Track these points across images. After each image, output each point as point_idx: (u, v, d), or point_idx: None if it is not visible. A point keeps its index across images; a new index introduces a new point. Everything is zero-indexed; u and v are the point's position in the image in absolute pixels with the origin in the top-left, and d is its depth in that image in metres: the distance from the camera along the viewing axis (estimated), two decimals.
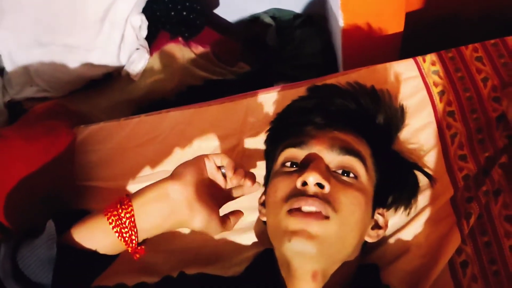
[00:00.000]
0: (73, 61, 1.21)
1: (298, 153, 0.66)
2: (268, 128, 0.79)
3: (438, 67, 0.89)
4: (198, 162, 0.62)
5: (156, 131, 0.90)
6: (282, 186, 0.64)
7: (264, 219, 0.72)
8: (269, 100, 0.89)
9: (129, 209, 0.57)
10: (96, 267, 0.59)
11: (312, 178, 0.60)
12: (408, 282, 0.72)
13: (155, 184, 0.59)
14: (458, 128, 0.83)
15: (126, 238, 0.56)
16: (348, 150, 0.66)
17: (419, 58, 0.90)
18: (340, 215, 0.61)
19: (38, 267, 0.53)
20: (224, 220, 0.64)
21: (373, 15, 1.05)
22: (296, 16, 1.48)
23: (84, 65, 1.21)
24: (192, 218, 0.59)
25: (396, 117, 0.77)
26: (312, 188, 0.61)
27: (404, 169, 0.76)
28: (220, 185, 0.64)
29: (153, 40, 1.25)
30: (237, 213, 0.68)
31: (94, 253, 0.56)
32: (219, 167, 0.64)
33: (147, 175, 0.86)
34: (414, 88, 0.87)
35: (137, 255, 0.59)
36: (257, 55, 1.43)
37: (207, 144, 0.87)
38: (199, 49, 1.28)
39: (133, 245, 0.57)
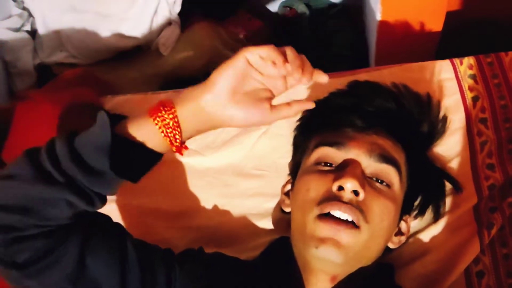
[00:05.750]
0: (105, 30, 1.21)
1: (334, 153, 0.65)
2: (299, 117, 0.78)
3: (475, 71, 0.86)
4: (236, 62, 0.57)
5: None
6: (316, 186, 0.62)
7: (288, 210, 0.71)
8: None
9: (173, 111, 0.58)
10: (145, 161, 0.60)
11: (350, 185, 0.59)
12: (422, 286, 0.72)
13: (192, 94, 0.59)
14: (489, 136, 0.81)
15: (171, 138, 0.58)
16: (386, 158, 0.64)
17: (456, 60, 0.88)
18: (371, 225, 0.60)
19: (94, 152, 0.55)
20: (279, 107, 0.61)
21: (412, 11, 1.02)
22: (331, 5, 1.46)
23: (115, 35, 1.21)
24: (230, 121, 0.59)
25: (440, 127, 0.75)
26: (348, 195, 0.60)
27: (433, 176, 0.75)
28: (272, 76, 0.58)
29: (186, 16, 1.24)
30: (303, 101, 0.64)
31: (143, 147, 0.58)
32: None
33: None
34: (448, 90, 0.85)
35: (182, 152, 0.61)
36: (288, 42, 1.41)
37: (232, 128, 0.86)
38: (231, 30, 1.27)
39: (177, 143, 0.59)
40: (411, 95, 0.73)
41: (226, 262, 0.70)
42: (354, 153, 0.64)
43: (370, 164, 0.64)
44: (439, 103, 0.76)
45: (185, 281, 0.65)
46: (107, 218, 0.64)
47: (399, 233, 0.70)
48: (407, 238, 0.74)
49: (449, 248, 0.73)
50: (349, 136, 0.66)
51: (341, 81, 0.77)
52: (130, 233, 0.65)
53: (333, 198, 0.60)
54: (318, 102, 0.76)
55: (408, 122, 0.71)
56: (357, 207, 0.60)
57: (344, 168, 0.62)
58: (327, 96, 0.75)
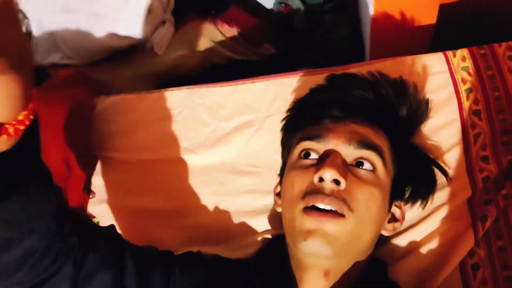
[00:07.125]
0: (99, 30, 1.21)
1: (314, 146, 0.65)
2: (284, 116, 0.78)
3: (468, 63, 0.86)
4: None
5: (177, 106, 0.89)
6: (299, 181, 0.63)
7: (279, 210, 0.71)
8: (291, 85, 0.88)
9: None
10: None
11: (329, 175, 0.59)
12: (417, 280, 0.71)
13: None
14: (483, 128, 0.80)
15: None
16: (365, 144, 0.64)
17: (449, 53, 0.87)
18: (356, 213, 0.60)
19: None
20: None
21: (405, 5, 1.01)
22: (326, 0, 1.45)
23: (109, 35, 1.21)
24: None
25: (420, 110, 0.75)
26: (328, 185, 0.60)
27: (423, 163, 0.75)
28: None
29: (179, 15, 1.24)
30: None
31: None
32: None
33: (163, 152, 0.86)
34: (441, 83, 0.85)
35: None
36: (284, 38, 1.41)
37: (227, 124, 0.86)
38: (225, 28, 1.27)
39: None
40: (388, 82, 0.73)
41: (225, 266, 0.70)
42: (333, 143, 0.64)
43: (350, 152, 0.64)
44: (415, 86, 0.75)
45: (185, 284, 0.65)
46: (107, 231, 0.62)
47: (393, 219, 0.70)
48: (402, 231, 0.74)
49: (443, 241, 0.73)
50: (327, 128, 0.66)
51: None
52: (128, 241, 0.63)
53: (315, 191, 0.60)
54: (299, 100, 0.77)
55: (386, 108, 0.71)
56: (340, 197, 0.60)
57: (324, 160, 0.62)
58: (307, 93, 0.76)
